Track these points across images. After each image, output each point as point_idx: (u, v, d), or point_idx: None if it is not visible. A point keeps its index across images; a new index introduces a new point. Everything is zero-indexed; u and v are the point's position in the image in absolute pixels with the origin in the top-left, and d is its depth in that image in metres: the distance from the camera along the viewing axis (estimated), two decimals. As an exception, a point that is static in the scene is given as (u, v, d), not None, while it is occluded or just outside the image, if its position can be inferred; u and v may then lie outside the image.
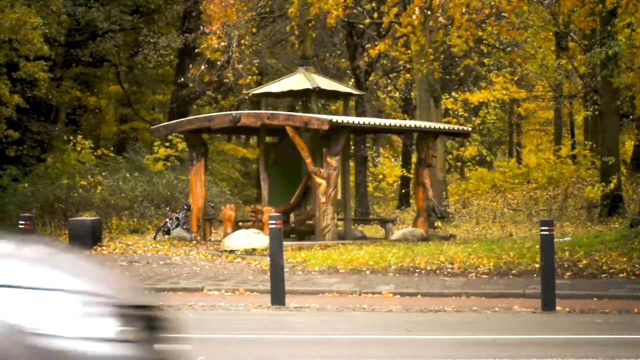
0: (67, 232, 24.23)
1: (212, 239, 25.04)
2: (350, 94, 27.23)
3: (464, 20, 18.16)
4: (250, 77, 29.28)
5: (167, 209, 29.89)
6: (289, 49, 37.98)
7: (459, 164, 48.87)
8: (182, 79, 34.65)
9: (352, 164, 34.37)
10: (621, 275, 16.54)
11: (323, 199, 22.58)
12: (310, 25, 26.10)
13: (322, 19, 28.37)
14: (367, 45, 34.73)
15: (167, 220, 26.41)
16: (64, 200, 28.92)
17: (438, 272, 17.29)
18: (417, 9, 17.98)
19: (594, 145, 38.07)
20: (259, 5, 28.04)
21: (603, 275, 16.59)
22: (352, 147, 33.07)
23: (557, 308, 13.39)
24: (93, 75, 39.39)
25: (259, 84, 34.19)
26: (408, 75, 31.04)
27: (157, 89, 44.01)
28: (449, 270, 17.39)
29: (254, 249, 21.29)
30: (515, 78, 41.67)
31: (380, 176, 46.03)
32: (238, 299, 14.88)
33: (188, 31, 36.17)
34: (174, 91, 39.48)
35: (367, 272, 17.49)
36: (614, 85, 26.42)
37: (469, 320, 12.57)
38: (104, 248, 22.82)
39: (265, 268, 17.43)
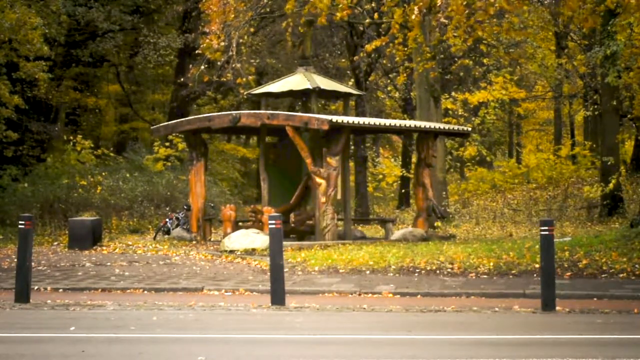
0: (67, 232, 24.24)
1: (212, 239, 25.04)
2: (350, 94, 27.24)
3: (471, 22, 18.14)
4: (248, 76, 29.24)
5: (167, 209, 29.89)
6: (289, 49, 37.95)
7: (458, 164, 48.89)
8: (182, 79, 34.65)
9: (352, 164, 34.36)
10: (621, 275, 16.55)
11: (323, 199, 22.58)
12: (303, 21, 26.05)
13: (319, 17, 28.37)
14: (366, 45, 34.75)
15: (167, 220, 26.41)
16: (64, 200, 28.91)
17: (438, 272, 17.30)
18: (416, 8, 17.97)
19: (594, 145, 38.09)
20: (259, 5, 28.01)
21: (603, 275, 16.59)
22: (352, 147, 33.06)
23: (557, 308, 13.39)
24: (93, 75, 39.39)
25: (258, 83, 34.20)
26: (403, 77, 31.00)
27: (157, 89, 44.03)
28: (449, 270, 17.39)
29: (254, 249, 21.29)
30: (515, 78, 41.68)
31: (380, 176, 46.05)
32: (238, 299, 14.88)
33: (188, 31, 36.18)
34: (174, 91, 39.49)
35: (367, 272, 17.49)
36: (611, 84, 26.41)
37: (469, 320, 12.56)
38: (104, 248, 22.83)
39: (265, 268, 17.44)
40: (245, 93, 29.30)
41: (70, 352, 10.00)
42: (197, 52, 29.07)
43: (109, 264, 19.47)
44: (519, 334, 11.42)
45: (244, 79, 27.87)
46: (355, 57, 33.83)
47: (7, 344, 10.60)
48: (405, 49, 22.96)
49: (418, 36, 20.15)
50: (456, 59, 35.37)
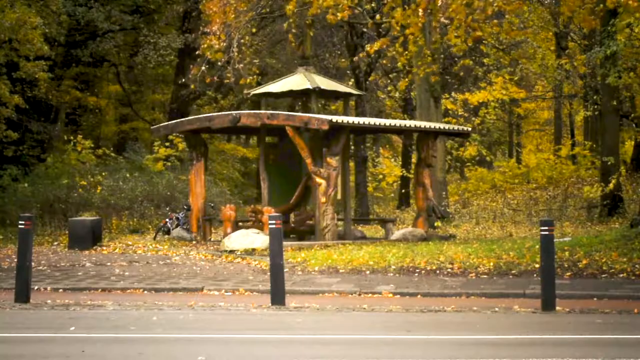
0: (67, 232, 24.24)
1: (212, 239, 25.03)
2: (350, 94, 27.23)
3: (469, 21, 18.13)
4: (253, 76, 29.23)
5: (167, 209, 29.88)
6: (289, 49, 37.93)
7: (458, 164, 48.87)
8: (183, 79, 34.64)
9: (352, 164, 34.37)
10: (621, 275, 16.55)
11: (323, 199, 22.58)
12: (308, 23, 26.06)
13: (321, 18, 28.35)
14: (366, 45, 34.71)
15: (167, 220, 26.40)
16: (64, 200, 28.91)
17: (438, 272, 17.30)
18: (421, 10, 17.96)
19: (594, 145, 38.11)
20: (259, 5, 28.00)
21: (603, 275, 16.59)
22: (352, 147, 33.06)
23: (557, 308, 13.39)
24: (93, 75, 39.41)
25: (259, 84, 34.22)
26: (405, 82, 31.01)
27: (157, 89, 44.02)
28: (449, 270, 17.39)
29: (254, 249, 21.29)
30: (515, 78, 41.73)
31: (380, 176, 46.04)
32: (238, 299, 14.88)
33: (188, 31, 36.18)
34: (174, 91, 39.48)
35: (367, 272, 17.49)
36: (611, 84, 26.42)
37: (469, 320, 12.57)
38: (104, 248, 22.83)
39: (265, 268, 17.44)
40: (246, 93, 29.28)
41: (70, 352, 10.01)
42: (197, 52, 29.08)
43: (109, 264, 19.47)
44: (519, 334, 11.42)
45: (247, 80, 27.86)
46: (355, 58, 33.79)
47: (7, 344, 10.60)
48: (406, 52, 22.95)
49: (419, 38, 20.15)
50: (456, 59, 35.36)
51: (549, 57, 37.89)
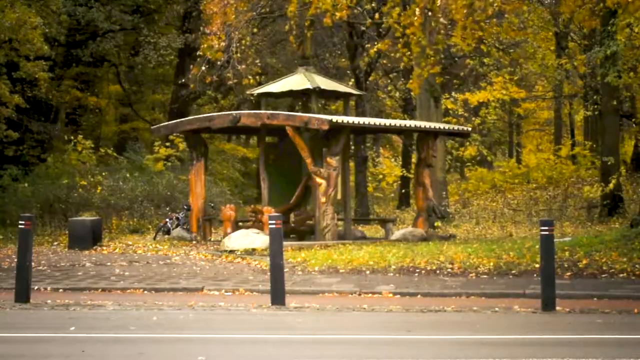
0: (67, 232, 24.24)
1: (212, 239, 25.03)
2: (350, 94, 27.22)
3: (468, 22, 18.11)
4: (255, 76, 29.19)
5: (167, 209, 29.88)
6: (289, 49, 37.93)
7: (458, 164, 48.84)
8: (183, 79, 34.64)
9: (352, 164, 34.38)
10: (621, 275, 16.54)
11: (323, 199, 22.58)
12: (308, 24, 26.06)
13: (321, 18, 28.34)
14: (367, 45, 34.73)
15: (167, 220, 26.40)
16: (64, 200, 28.91)
17: (438, 272, 17.29)
18: (417, 9, 17.95)
19: (594, 145, 38.12)
20: (259, 5, 27.99)
21: (603, 275, 16.59)
22: (352, 147, 33.06)
23: (557, 308, 13.39)
24: (93, 75, 39.40)
25: (259, 83, 34.22)
26: (417, 90, 31.02)
27: (157, 89, 44.01)
28: (449, 270, 17.39)
29: (254, 249, 21.29)
30: (515, 78, 41.76)
31: (380, 176, 46.04)
32: (238, 299, 14.88)
33: (188, 31, 36.18)
34: (174, 91, 39.48)
35: (367, 272, 17.49)
36: (611, 84, 26.42)
37: (469, 320, 12.56)
38: (104, 248, 22.83)
39: (265, 268, 17.43)
40: (249, 93, 29.29)
41: (70, 352, 10.01)
42: (197, 52, 29.07)
43: (109, 264, 19.47)
44: (519, 334, 11.42)
45: (249, 80, 27.83)
46: (362, 64, 33.73)
47: (7, 344, 10.60)
48: (409, 52, 22.95)
49: (421, 39, 20.13)
50: (456, 59, 35.30)
51: (549, 57, 37.89)
